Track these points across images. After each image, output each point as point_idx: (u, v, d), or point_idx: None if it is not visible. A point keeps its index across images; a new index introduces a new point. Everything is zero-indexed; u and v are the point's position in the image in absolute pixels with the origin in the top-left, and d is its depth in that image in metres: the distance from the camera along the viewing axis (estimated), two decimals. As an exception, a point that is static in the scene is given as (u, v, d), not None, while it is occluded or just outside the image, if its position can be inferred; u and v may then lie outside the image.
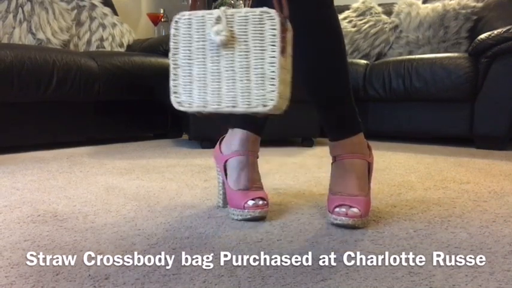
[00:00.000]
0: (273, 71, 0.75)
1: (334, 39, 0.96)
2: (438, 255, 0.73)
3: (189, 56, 0.79)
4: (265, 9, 0.75)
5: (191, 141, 2.48)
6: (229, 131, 1.04)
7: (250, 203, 0.94)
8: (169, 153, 2.01)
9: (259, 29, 0.76)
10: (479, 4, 2.65)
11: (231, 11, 0.77)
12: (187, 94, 0.80)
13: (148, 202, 1.10)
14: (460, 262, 0.71)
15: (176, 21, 0.79)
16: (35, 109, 2.09)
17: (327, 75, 0.96)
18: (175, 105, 0.81)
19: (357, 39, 2.95)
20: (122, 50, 2.82)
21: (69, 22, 2.68)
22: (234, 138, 1.02)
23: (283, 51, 0.75)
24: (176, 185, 1.30)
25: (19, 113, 2.04)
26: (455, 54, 2.27)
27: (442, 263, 0.70)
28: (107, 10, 2.86)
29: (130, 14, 3.56)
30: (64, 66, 2.09)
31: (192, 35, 0.79)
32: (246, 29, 0.76)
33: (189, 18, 0.79)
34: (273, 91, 0.75)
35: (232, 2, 3.67)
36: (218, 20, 0.76)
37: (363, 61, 2.64)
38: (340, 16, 3.06)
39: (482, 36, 2.14)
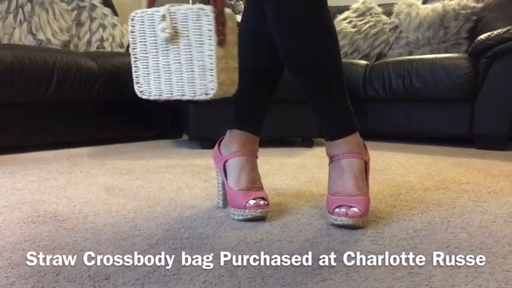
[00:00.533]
0: (211, 63, 0.83)
1: (329, 40, 0.96)
2: (438, 256, 0.73)
3: (145, 50, 0.88)
4: (201, 5, 0.83)
5: (191, 141, 2.48)
6: (228, 132, 1.05)
7: (252, 202, 0.94)
8: (169, 154, 2.01)
9: (198, 24, 0.83)
10: (479, 4, 2.65)
11: (174, 8, 0.84)
12: (147, 84, 0.88)
13: (149, 202, 1.10)
14: (460, 262, 0.71)
15: (132, 19, 0.88)
16: (35, 109, 2.09)
17: (323, 76, 0.97)
18: (138, 94, 0.90)
19: (357, 39, 2.95)
20: (122, 50, 2.82)
21: (69, 22, 2.68)
22: (232, 139, 1.02)
23: (221, 43, 0.82)
24: (176, 186, 1.30)
25: (19, 113, 2.04)
26: (455, 55, 2.27)
27: (442, 263, 0.70)
28: (107, 11, 2.86)
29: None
30: (64, 67, 2.09)
31: (145, 31, 0.87)
32: (187, 25, 0.83)
33: (141, 16, 0.87)
34: (212, 81, 0.83)
35: (232, 2, 3.67)
36: (163, 17, 0.84)
37: (363, 61, 2.64)
38: (340, 17, 3.07)
39: (482, 36, 2.15)
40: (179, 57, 0.85)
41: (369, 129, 2.54)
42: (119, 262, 0.71)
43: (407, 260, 0.72)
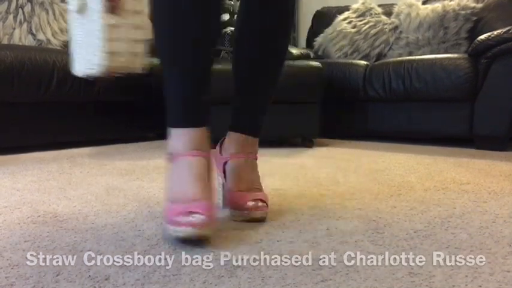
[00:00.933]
0: (99, 31, 0.77)
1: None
2: (438, 256, 0.73)
3: (70, 26, 0.82)
4: None
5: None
6: (228, 133, 1.05)
7: (250, 204, 0.93)
8: (169, 154, 2.01)
9: None
10: (479, 5, 2.65)
11: None
12: (72, 60, 0.83)
13: (149, 203, 1.10)
14: (460, 263, 0.71)
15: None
16: (35, 109, 2.09)
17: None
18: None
19: (357, 40, 2.95)
20: (122, 50, 2.82)
21: (69, 14, 2.68)
22: (232, 140, 1.03)
23: (112, 10, 0.77)
24: (176, 186, 1.30)
25: (19, 113, 2.04)
26: (455, 55, 2.27)
27: (442, 264, 0.70)
28: (107, 11, 2.86)
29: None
30: (64, 67, 2.09)
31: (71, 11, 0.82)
32: None
33: None
34: (100, 51, 0.76)
35: (232, 2, 3.67)
36: None
37: (363, 62, 2.64)
38: (340, 17, 3.07)
39: (482, 37, 2.15)
40: (83, 31, 0.80)
41: (369, 130, 2.54)
42: (119, 262, 0.71)
43: (407, 260, 0.72)
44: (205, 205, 0.78)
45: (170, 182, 0.86)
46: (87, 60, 0.79)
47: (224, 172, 1.02)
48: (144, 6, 0.79)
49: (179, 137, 0.88)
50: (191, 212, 0.76)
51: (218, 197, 1.06)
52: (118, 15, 0.77)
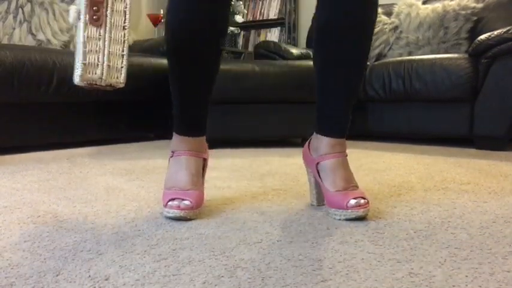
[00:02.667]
0: (79, 42, 0.81)
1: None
2: (438, 256, 0.73)
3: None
4: None
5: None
6: (314, 134, 1.06)
7: (353, 202, 0.94)
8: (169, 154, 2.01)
9: (82, 4, 0.82)
10: (479, 5, 2.65)
11: None
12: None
13: (149, 203, 1.10)
14: (460, 263, 0.71)
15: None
16: (35, 110, 2.09)
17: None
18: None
19: (357, 40, 2.95)
20: (122, 50, 2.81)
21: (69, 23, 2.68)
22: (321, 142, 1.03)
23: (93, 22, 0.81)
24: (176, 186, 1.30)
25: (19, 113, 2.04)
26: (455, 55, 2.27)
27: (442, 264, 0.70)
28: (107, 11, 2.86)
29: (130, 15, 3.56)
30: (64, 67, 2.09)
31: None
32: (79, 5, 0.83)
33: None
34: (79, 62, 0.81)
35: (232, 2, 3.67)
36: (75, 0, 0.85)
37: (363, 62, 2.64)
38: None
39: (482, 37, 2.15)
40: (77, 40, 0.84)
41: (369, 130, 2.54)
42: (118, 262, 0.71)
43: (407, 260, 0.72)
44: (192, 194, 0.96)
45: (168, 173, 1.03)
46: (75, 70, 0.83)
47: (318, 172, 1.03)
48: (128, 22, 0.84)
49: (181, 140, 1.04)
50: (180, 199, 0.94)
51: (311, 195, 1.09)
52: (99, 27, 0.81)
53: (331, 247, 0.78)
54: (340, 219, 0.95)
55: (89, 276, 0.66)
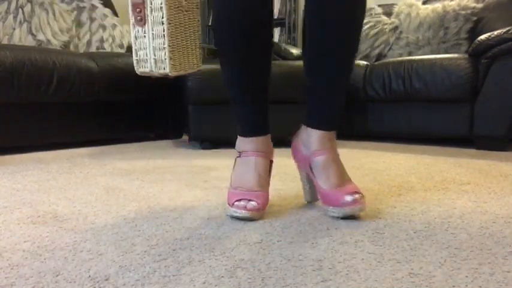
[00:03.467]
0: (133, 41, 0.94)
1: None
2: (438, 256, 0.73)
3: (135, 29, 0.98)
4: None
5: (191, 142, 2.49)
6: (303, 127, 1.05)
7: (348, 198, 0.94)
8: (169, 154, 2.01)
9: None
10: (479, 5, 2.65)
11: None
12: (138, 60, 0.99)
13: (149, 203, 1.10)
14: (460, 263, 0.71)
15: None
16: (35, 110, 2.09)
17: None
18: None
19: (357, 40, 2.95)
20: (122, 51, 2.82)
21: (69, 23, 2.68)
22: (311, 137, 1.02)
23: (138, 22, 0.92)
24: (176, 186, 1.30)
25: (19, 114, 2.04)
26: (455, 55, 2.27)
27: (442, 264, 0.70)
28: (107, 11, 2.86)
29: (168, 10, 3.55)
30: (64, 67, 2.09)
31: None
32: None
33: None
34: (134, 59, 0.95)
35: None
36: None
37: (363, 62, 2.64)
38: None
39: (482, 37, 2.15)
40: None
41: (369, 130, 2.54)
42: (118, 263, 0.71)
43: (407, 260, 0.72)
44: (259, 195, 0.97)
45: (235, 173, 1.03)
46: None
47: (311, 169, 1.02)
48: (165, 17, 0.93)
49: (246, 141, 1.04)
50: (247, 199, 0.95)
51: (304, 192, 1.09)
52: (143, 26, 0.91)
53: (331, 247, 0.78)
54: (338, 217, 0.95)
55: (89, 276, 0.66)
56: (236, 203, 0.95)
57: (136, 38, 0.93)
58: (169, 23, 0.92)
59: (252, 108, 1.04)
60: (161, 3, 0.91)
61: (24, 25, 2.47)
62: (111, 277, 0.65)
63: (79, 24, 2.75)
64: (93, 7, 2.81)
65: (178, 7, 0.94)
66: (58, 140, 2.20)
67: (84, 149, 2.20)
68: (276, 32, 3.97)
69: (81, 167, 1.63)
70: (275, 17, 3.94)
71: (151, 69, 0.94)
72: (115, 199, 1.14)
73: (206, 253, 0.75)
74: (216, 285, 0.63)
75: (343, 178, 0.99)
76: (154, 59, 0.93)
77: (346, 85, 1.03)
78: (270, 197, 1.03)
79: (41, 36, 2.49)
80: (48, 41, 2.51)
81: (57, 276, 0.66)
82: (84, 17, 2.76)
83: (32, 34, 2.48)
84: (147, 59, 0.94)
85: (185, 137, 2.85)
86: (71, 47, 2.68)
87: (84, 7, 2.78)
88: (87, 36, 2.74)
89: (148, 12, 0.91)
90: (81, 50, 2.71)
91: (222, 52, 1.01)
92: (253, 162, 1.01)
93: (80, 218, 0.97)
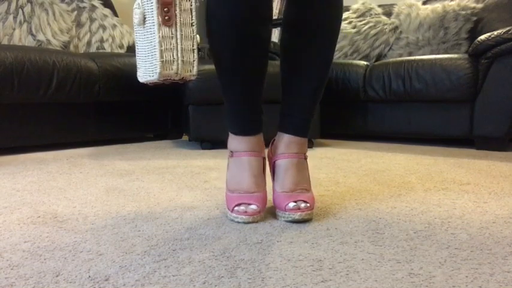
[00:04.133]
0: (155, 42, 0.90)
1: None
2: (438, 256, 0.73)
3: (136, 37, 0.96)
4: None
5: (191, 142, 2.49)
6: (278, 133, 1.05)
7: (291, 205, 0.94)
8: (169, 154, 2.01)
9: (149, 7, 0.89)
10: (479, 5, 2.65)
11: None
12: (137, 69, 0.97)
13: (148, 203, 1.10)
14: (460, 263, 0.71)
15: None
16: (35, 110, 2.09)
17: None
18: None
19: (357, 40, 2.95)
20: (122, 51, 2.82)
21: (69, 23, 2.68)
22: (279, 141, 1.03)
23: (165, 22, 0.89)
24: (176, 186, 1.30)
25: (19, 114, 2.04)
26: (455, 55, 2.27)
27: (442, 264, 0.70)
28: (107, 11, 2.86)
29: (131, 15, 3.56)
30: (64, 68, 2.09)
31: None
32: (145, 9, 0.90)
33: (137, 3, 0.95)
34: (156, 60, 0.91)
35: None
36: (137, 4, 0.91)
37: (363, 62, 2.65)
38: (340, 17, 3.07)
39: (482, 37, 2.15)
40: (143, 40, 0.93)
41: (369, 130, 2.54)
42: (118, 263, 0.71)
43: (407, 260, 0.72)
44: (258, 197, 0.96)
45: (229, 175, 1.02)
46: (146, 68, 0.92)
47: (273, 172, 1.03)
48: (194, 19, 0.92)
49: (239, 140, 1.01)
50: (246, 203, 0.94)
51: None
52: (171, 26, 0.90)
53: (331, 247, 0.78)
54: (281, 220, 0.95)
55: (89, 276, 0.66)
56: (236, 208, 0.94)
57: (163, 38, 0.90)
58: (196, 26, 0.92)
59: (247, 108, 1.01)
60: (191, 6, 0.90)
61: (24, 25, 2.47)
62: (111, 277, 0.65)
63: (79, 24, 2.75)
64: (93, 7, 2.81)
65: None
66: (58, 140, 2.20)
67: (84, 149, 2.20)
68: (276, 32, 3.97)
69: (81, 167, 1.63)
70: (275, 17, 3.94)
71: (177, 72, 0.91)
72: (115, 199, 1.14)
73: (206, 253, 0.75)
74: (216, 286, 0.63)
75: (298, 185, 0.99)
76: (183, 61, 0.91)
77: (320, 95, 1.04)
78: (269, 197, 1.03)
79: (41, 37, 2.49)
80: (48, 41, 2.52)
81: (57, 276, 0.66)
82: (84, 17, 2.76)
83: (32, 34, 2.48)
84: (173, 61, 0.91)
85: (185, 137, 2.85)
86: (71, 47, 2.68)
87: (84, 7, 2.78)
88: (87, 37, 2.74)
89: (177, 12, 0.90)
90: (81, 50, 2.71)
91: (216, 49, 0.98)
92: (247, 163, 0.99)
93: (79, 218, 0.97)
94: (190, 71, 0.92)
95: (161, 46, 0.89)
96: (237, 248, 0.78)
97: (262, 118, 1.04)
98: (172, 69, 0.90)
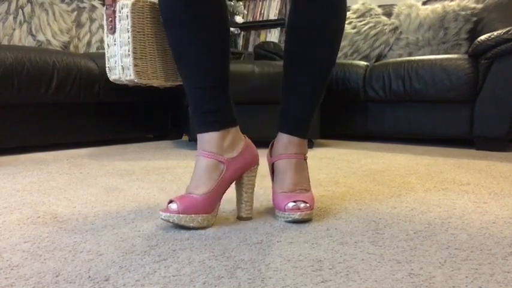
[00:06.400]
0: (106, 49, 0.99)
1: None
2: (438, 257, 0.73)
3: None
4: None
5: (191, 142, 2.49)
6: (278, 134, 1.05)
7: (290, 205, 0.94)
8: (169, 155, 2.01)
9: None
10: (479, 5, 2.65)
11: None
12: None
13: (148, 203, 1.10)
14: (460, 263, 0.71)
15: None
16: (35, 111, 2.09)
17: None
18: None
19: (357, 40, 2.95)
20: (122, 51, 2.81)
21: (69, 24, 2.68)
22: (278, 141, 1.03)
23: (110, 30, 0.97)
24: (176, 187, 1.30)
25: (19, 114, 2.04)
26: (455, 56, 2.27)
27: (442, 265, 0.70)
28: (107, 11, 2.86)
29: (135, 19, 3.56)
30: (64, 68, 2.09)
31: None
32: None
33: None
34: (107, 66, 1.00)
35: (231, 2, 3.67)
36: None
37: (363, 62, 2.65)
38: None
39: (482, 37, 2.15)
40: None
41: (369, 130, 2.54)
42: (118, 263, 0.71)
43: (407, 260, 0.72)
44: (184, 197, 0.89)
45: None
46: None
47: (272, 173, 1.03)
48: (130, 25, 0.96)
49: (199, 140, 0.96)
50: (173, 201, 0.89)
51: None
52: (113, 34, 0.96)
53: (331, 248, 0.78)
54: (280, 221, 0.95)
55: (89, 277, 0.66)
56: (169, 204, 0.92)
57: (108, 46, 0.97)
58: (134, 31, 0.95)
59: (200, 97, 0.92)
60: (127, 12, 0.95)
61: (24, 26, 2.47)
62: (111, 277, 0.65)
63: (79, 24, 2.75)
64: (93, 7, 2.81)
65: (142, 17, 0.98)
66: (58, 141, 2.20)
67: (84, 149, 2.20)
68: (276, 32, 3.97)
69: (81, 168, 1.63)
70: (275, 17, 3.94)
71: (120, 76, 0.97)
72: (115, 200, 1.14)
73: (206, 253, 0.75)
74: (216, 286, 0.63)
75: (298, 185, 0.98)
76: (122, 66, 0.97)
77: (323, 94, 1.04)
78: (269, 197, 1.03)
79: (41, 37, 2.49)
80: (48, 41, 2.52)
81: (57, 276, 0.66)
82: (84, 17, 2.76)
83: (32, 35, 2.48)
84: (115, 66, 0.97)
85: (185, 138, 2.85)
86: (71, 48, 2.68)
87: (84, 8, 2.78)
88: (87, 37, 2.74)
89: (117, 21, 0.96)
90: (81, 50, 2.71)
91: (165, 16, 0.91)
92: (198, 163, 0.93)
93: (79, 218, 0.97)
94: (130, 76, 0.96)
95: (107, 53, 0.97)
96: (237, 248, 0.78)
97: (228, 111, 0.95)
98: (116, 74, 0.97)
